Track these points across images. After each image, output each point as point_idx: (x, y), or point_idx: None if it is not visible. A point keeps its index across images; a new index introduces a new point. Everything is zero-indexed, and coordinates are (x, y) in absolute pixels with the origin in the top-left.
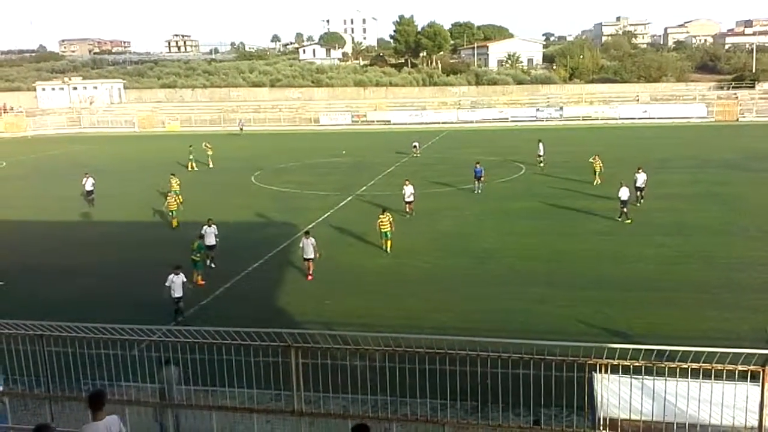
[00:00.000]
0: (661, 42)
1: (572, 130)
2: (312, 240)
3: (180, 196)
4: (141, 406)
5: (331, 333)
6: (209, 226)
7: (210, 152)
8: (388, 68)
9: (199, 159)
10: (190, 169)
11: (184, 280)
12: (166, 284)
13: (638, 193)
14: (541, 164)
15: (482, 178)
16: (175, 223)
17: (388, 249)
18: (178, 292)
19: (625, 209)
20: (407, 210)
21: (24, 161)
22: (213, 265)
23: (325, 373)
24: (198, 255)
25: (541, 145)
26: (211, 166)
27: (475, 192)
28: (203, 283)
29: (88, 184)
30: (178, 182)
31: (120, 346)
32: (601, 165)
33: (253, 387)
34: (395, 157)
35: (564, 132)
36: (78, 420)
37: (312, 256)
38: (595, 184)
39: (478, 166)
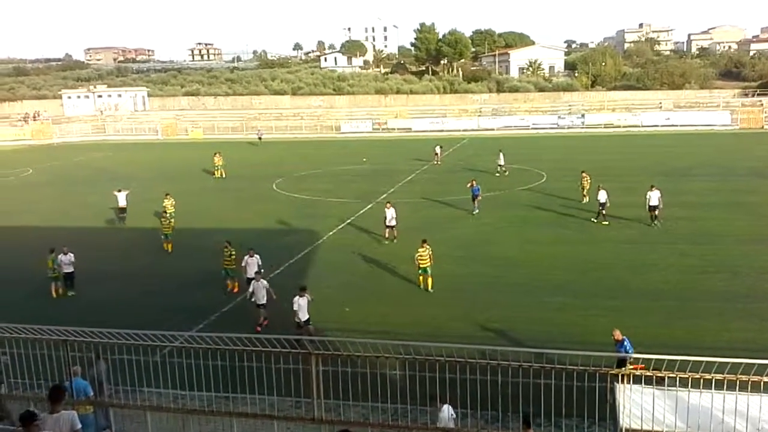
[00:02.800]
0: (685, 49)
1: (594, 137)
2: (264, 282)
3: (173, 220)
4: (163, 412)
5: (351, 341)
6: (251, 256)
7: (220, 163)
8: (409, 76)
9: (212, 169)
10: (217, 176)
11: (310, 299)
12: (294, 308)
13: (652, 212)
14: (498, 173)
15: (479, 197)
16: (169, 247)
17: (429, 287)
18: (303, 315)
19: (603, 211)
20: (386, 235)
21: (50, 168)
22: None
23: (345, 380)
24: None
25: (501, 155)
26: (223, 176)
27: (474, 212)
28: (237, 290)
29: (122, 199)
30: (173, 203)
31: (143, 351)
32: (590, 182)
33: (273, 394)
34: (416, 164)
35: (586, 139)
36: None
37: (264, 301)
38: (583, 202)
39: (474, 184)
